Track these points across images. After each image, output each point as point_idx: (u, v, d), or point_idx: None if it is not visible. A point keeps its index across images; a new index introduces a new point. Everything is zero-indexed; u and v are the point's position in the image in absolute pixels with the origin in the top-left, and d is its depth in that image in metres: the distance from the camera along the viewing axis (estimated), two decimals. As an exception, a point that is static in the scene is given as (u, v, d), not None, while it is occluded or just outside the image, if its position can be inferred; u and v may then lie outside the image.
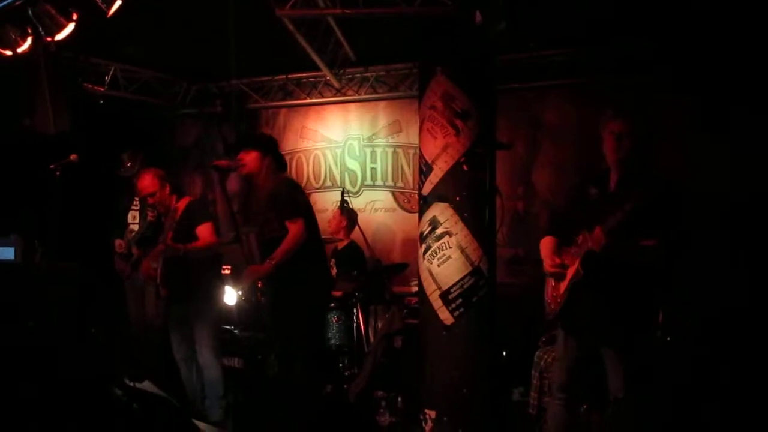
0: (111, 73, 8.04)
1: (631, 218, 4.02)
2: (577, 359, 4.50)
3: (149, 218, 7.00)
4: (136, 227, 7.34)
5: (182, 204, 6.19)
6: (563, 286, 4.45)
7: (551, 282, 4.59)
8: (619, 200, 4.14)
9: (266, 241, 5.63)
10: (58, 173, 6.20)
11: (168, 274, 6.13)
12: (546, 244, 4.61)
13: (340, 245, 7.78)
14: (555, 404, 4.63)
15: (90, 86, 7.77)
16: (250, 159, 5.60)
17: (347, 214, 7.68)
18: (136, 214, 7.45)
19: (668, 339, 5.73)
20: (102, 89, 7.94)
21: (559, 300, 4.47)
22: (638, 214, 4.04)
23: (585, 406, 4.86)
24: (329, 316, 7.15)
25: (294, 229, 5.47)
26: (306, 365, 5.56)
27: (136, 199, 7.47)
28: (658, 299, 4.96)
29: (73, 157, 6.25)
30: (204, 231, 6.06)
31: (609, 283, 4.28)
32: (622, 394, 4.31)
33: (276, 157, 5.74)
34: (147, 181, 6.23)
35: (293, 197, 5.63)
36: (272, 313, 5.71)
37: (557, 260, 4.44)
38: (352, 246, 7.80)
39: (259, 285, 6.20)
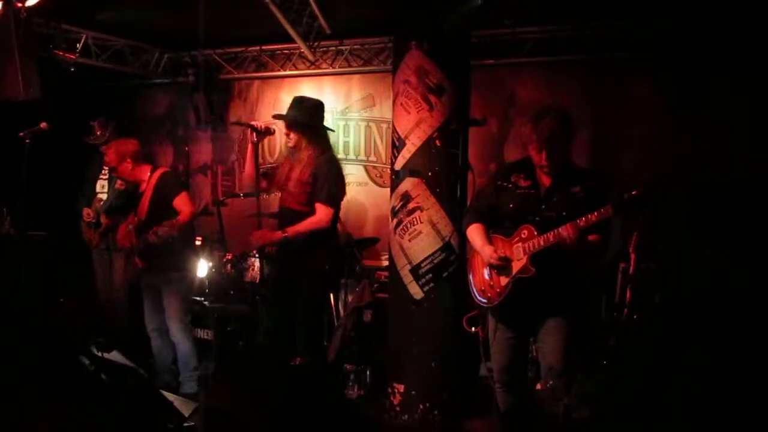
0: (83, 40, 7.92)
1: (602, 218, 4.10)
2: (512, 348, 4.59)
3: (117, 186, 6.94)
4: (104, 196, 7.28)
5: (155, 176, 6.15)
6: (505, 279, 4.44)
7: (485, 269, 4.58)
8: (560, 199, 4.31)
9: (288, 210, 5.53)
10: (27, 141, 6.13)
11: (145, 245, 6.11)
12: (478, 233, 4.60)
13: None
14: (500, 391, 4.69)
15: (61, 53, 7.65)
16: (293, 138, 5.51)
17: None
18: (105, 183, 7.39)
19: (635, 317, 5.80)
20: (73, 57, 7.82)
21: (498, 291, 4.47)
22: (582, 209, 4.17)
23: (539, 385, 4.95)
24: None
25: (322, 214, 5.39)
26: (307, 339, 5.55)
27: (105, 168, 7.41)
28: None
29: (43, 125, 6.17)
30: (181, 202, 6.03)
31: (553, 277, 4.34)
32: (559, 366, 4.43)
33: (318, 129, 5.57)
34: (110, 156, 6.23)
35: (337, 185, 5.50)
36: (280, 285, 5.66)
37: (501, 253, 4.42)
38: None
39: (269, 251, 6.16)
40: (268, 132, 5.70)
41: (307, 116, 5.54)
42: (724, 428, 4.30)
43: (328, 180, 5.43)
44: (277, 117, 5.77)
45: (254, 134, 5.60)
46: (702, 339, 5.56)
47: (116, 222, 6.99)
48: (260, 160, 5.68)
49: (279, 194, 5.74)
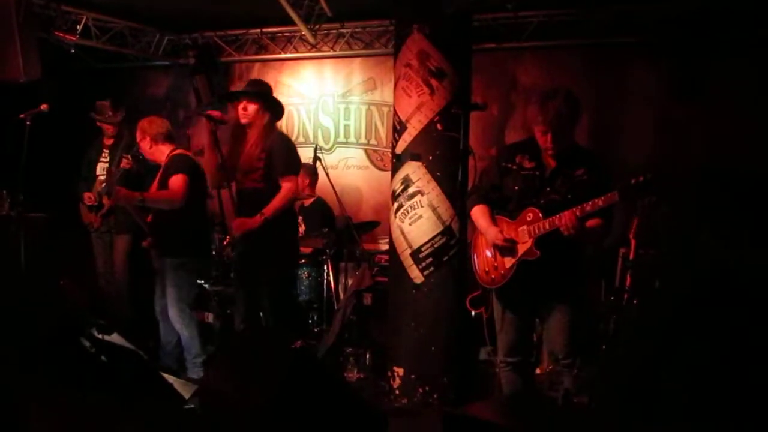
0: (83, 22, 7.90)
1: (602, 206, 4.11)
2: (517, 328, 4.60)
3: (123, 165, 6.88)
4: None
5: (169, 157, 6.15)
6: (510, 261, 4.45)
7: (489, 250, 4.59)
8: (564, 182, 4.31)
9: (245, 191, 5.59)
10: (28, 123, 6.12)
11: (154, 223, 6.12)
12: (483, 214, 4.59)
13: (307, 202, 7.76)
14: (504, 371, 4.71)
15: (61, 35, 7.63)
16: (251, 110, 5.56)
17: (308, 170, 7.63)
18: (106, 166, 7.38)
19: (635, 302, 5.81)
20: (74, 38, 7.80)
21: (502, 272, 4.49)
22: (586, 192, 4.18)
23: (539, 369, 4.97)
24: (299, 272, 7.17)
25: (288, 186, 5.48)
26: (276, 318, 5.60)
27: (105, 151, 7.40)
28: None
29: (43, 106, 6.17)
30: (173, 182, 5.97)
31: (557, 260, 4.35)
32: (563, 349, 4.49)
33: (274, 109, 5.70)
34: (137, 132, 6.26)
35: (292, 155, 5.65)
36: (245, 265, 5.68)
37: (506, 234, 4.43)
38: (319, 202, 7.80)
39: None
40: (222, 122, 5.72)
41: (270, 98, 5.69)
42: (724, 414, 4.31)
43: (283, 152, 5.55)
44: (237, 92, 5.87)
45: (211, 123, 5.62)
46: (702, 325, 5.57)
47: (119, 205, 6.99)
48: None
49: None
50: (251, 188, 5.55)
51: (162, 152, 6.16)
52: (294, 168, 5.63)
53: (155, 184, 6.13)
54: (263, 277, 5.57)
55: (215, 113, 5.68)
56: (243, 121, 5.62)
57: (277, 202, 5.44)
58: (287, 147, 5.65)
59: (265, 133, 5.55)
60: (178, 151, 6.22)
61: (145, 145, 6.17)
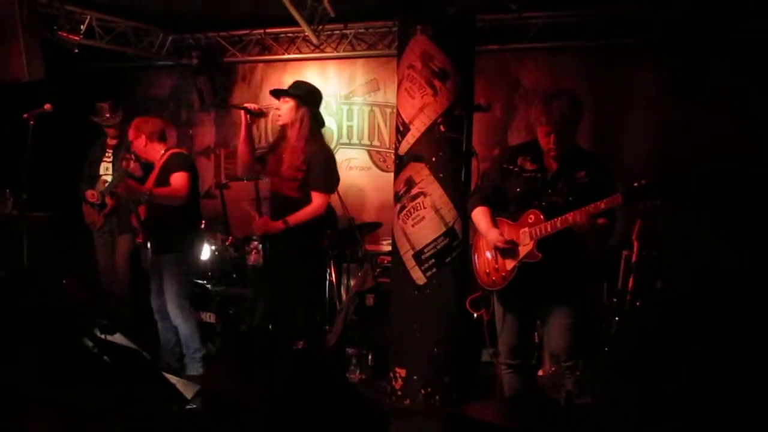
0: (86, 21, 7.90)
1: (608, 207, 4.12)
2: (518, 330, 4.61)
3: (125, 166, 6.90)
4: (109, 178, 7.27)
5: (165, 156, 6.15)
6: (511, 263, 4.46)
7: (490, 252, 4.59)
8: (566, 184, 4.31)
9: (280, 195, 5.55)
10: (31, 122, 6.13)
11: (148, 221, 6.13)
12: (484, 216, 4.60)
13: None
14: (505, 373, 4.72)
15: (65, 35, 7.64)
16: (285, 108, 5.50)
17: None
18: (109, 165, 7.39)
19: (637, 304, 5.81)
20: (77, 38, 7.81)
21: (503, 275, 4.49)
22: (587, 194, 4.19)
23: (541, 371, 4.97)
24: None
25: (319, 201, 5.45)
26: (307, 321, 5.64)
27: (109, 150, 7.42)
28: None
29: (47, 106, 6.18)
30: (176, 179, 6.00)
31: (559, 262, 4.35)
32: (564, 351, 4.49)
33: (313, 112, 5.58)
34: (129, 131, 6.28)
35: (331, 172, 5.58)
36: (274, 269, 5.70)
37: (507, 236, 4.44)
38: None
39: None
40: (261, 114, 5.71)
41: (307, 94, 5.58)
42: (726, 415, 4.31)
43: (322, 167, 5.47)
44: (276, 91, 5.75)
45: (248, 116, 5.61)
46: (704, 326, 5.57)
47: (121, 203, 7.01)
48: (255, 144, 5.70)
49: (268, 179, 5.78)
50: (287, 196, 5.49)
51: (156, 151, 6.18)
52: (329, 185, 5.57)
53: (150, 181, 6.13)
54: (294, 277, 5.55)
55: (252, 106, 5.67)
56: (278, 122, 5.61)
57: (303, 214, 5.41)
58: (327, 162, 5.54)
59: (305, 139, 5.47)
60: (176, 150, 6.24)
61: (140, 143, 6.17)
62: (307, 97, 5.56)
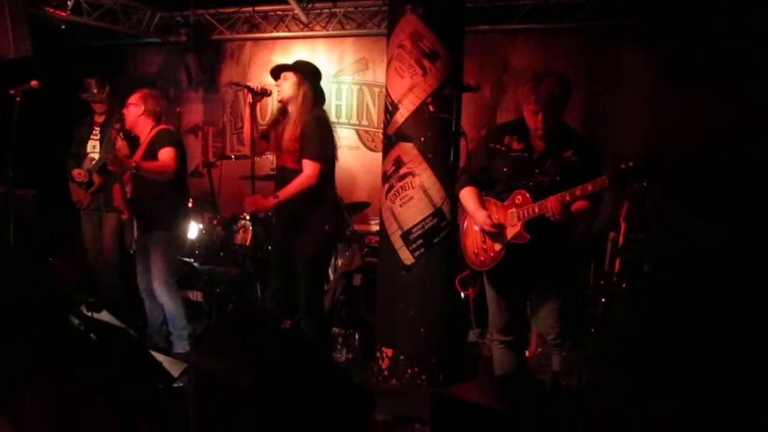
0: (74, -3, 7.85)
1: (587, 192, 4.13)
2: (510, 309, 4.64)
3: (114, 136, 6.83)
4: (96, 156, 7.23)
5: (153, 131, 6.12)
6: (499, 244, 4.47)
7: (478, 233, 4.60)
8: (553, 164, 4.31)
9: (284, 168, 5.55)
10: (18, 99, 6.08)
11: (135, 198, 6.11)
12: (472, 196, 4.60)
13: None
14: (498, 349, 4.74)
15: (52, 11, 7.57)
16: (287, 84, 5.49)
17: None
18: (96, 143, 7.34)
19: (623, 286, 5.83)
20: (64, 14, 7.73)
21: (492, 255, 4.51)
22: (574, 174, 4.21)
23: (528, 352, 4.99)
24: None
25: (309, 171, 5.38)
26: (309, 300, 5.63)
27: (96, 128, 7.37)
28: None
29: (33, 83, 6.13)
30: (164, 154, 5.97)
31: (547, 243, 4.36)
32: (552, 332, 4.52)
33: (315, 88, 5.58)
34: (134, 95, 6.21)
35: (323, 138, 5.50)
36: (281, 248, 5.70)
37: (495, 218, 4.44)
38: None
39: (261, 216, 6.49)
40: (264, 93, 5.68)
41: (308, 70, 5.61)
42: (713, 397, 4.33)
43: (314, 135, 5.43)
44: (279, 66, 5.72)
45: (250, 95, 5.60)
46: (691, 308, 5.59)
47: (108, 181, 6.97)
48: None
49: (273, 155, 5.76)
50: (289, 168, 5.48)
51: (146, 126, 6.14)
52: (320, 152, 5.43)
53: (138, 156, 6.08)
54: (300, 257, 5.54)
55: (255, 85, 5.65)
56: (278, 98, 5.59)
57: (292, 187, 5.38)
58: (318, 129, 5.47)
59: (302, 111, 5.46)
60: (163, 126, 6.21)
61: (135, 112, 6.11)
62: (309, 72, 5.59)
